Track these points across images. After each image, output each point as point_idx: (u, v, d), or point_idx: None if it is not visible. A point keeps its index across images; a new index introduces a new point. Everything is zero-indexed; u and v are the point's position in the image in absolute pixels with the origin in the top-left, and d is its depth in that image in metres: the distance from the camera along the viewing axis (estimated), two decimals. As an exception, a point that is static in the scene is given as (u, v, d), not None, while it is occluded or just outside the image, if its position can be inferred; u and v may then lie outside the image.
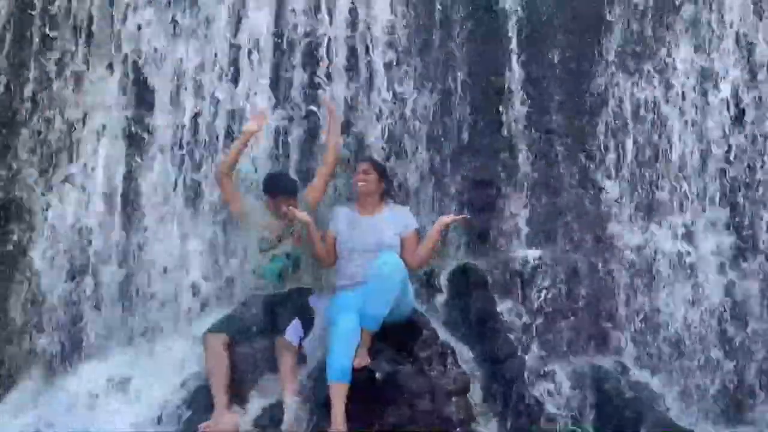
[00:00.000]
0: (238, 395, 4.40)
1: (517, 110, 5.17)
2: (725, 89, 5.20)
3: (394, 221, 4.68)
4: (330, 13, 5.16)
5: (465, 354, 4.65)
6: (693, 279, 5.04)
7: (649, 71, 5.23)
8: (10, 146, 5.08)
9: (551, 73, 5.23)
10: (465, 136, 5.16)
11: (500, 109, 5.16)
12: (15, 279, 4.97)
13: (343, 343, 4.18)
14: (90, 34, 5.15)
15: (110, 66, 5.13)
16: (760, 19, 5.27)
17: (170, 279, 4.94)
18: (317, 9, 5.15)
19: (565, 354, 4.86)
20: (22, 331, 4.91)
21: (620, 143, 5.19)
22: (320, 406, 4.24)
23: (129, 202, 5.04)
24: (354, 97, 5.10)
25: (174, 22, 5.15)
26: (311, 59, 5.13)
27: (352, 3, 5.16)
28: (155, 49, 5.12)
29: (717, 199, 5.12)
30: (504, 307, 4.83)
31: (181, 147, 5.06)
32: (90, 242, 4.96)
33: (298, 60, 5.13)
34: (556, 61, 5.24)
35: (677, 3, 5.27)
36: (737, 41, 5.25)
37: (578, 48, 5.25)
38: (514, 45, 5.22)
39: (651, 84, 5.23)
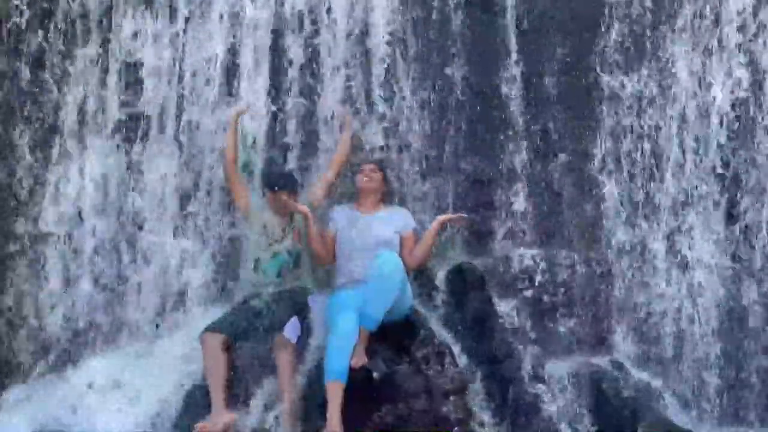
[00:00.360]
0: (236, 395, 4.39)
1: (515, 109, 5.17)
2: (724, 88, 5.19)
3: (393, 220, 4.72)
4: (329, 11, 5.16)
5: (462, 353, 4.64)
6: (691, 278, 5.04)
7: (647, 70, 5.23)
8: (7, 137, 5.09)
9: (550, 72, 5.22)
10: (463, 134, 5.16)
11: (498, 107, 5.16)
12: (12, 276, 4.99)
13: (341, 342, 4.18)
14: (86, 25, 5.16)
15: (105, 58, 5.13)
16: (759, 18, 5.26)
17: (168, 277, 4.95)
18: (317, 6, 5.16)
19: (563, 353, 4.87)
20: (19, 329, 4.92)
21: (618, 142, 5.18)
22: (317, 405, 4.23)
23: (126, 198, 5.04)
24: (352, 94, 5.10)
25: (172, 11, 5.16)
26: (310, 55, 5.13)
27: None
28: (153, 41, 5.13)
29: (715, 199, 5.11)
30: (502, 306, 4.83)
31: (178, 140, 5.06)
32: (86, 240, 4.97)
33: (297, 56, 5.13)
34: (554, 59, 5.24)
35: (676, 1, 5.26)
36: (736, 40, 5.23)
37: (576, 47, 5.25)
38: (512, 43, 5.22)
39: (649, 83, 5.22)
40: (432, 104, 5.17)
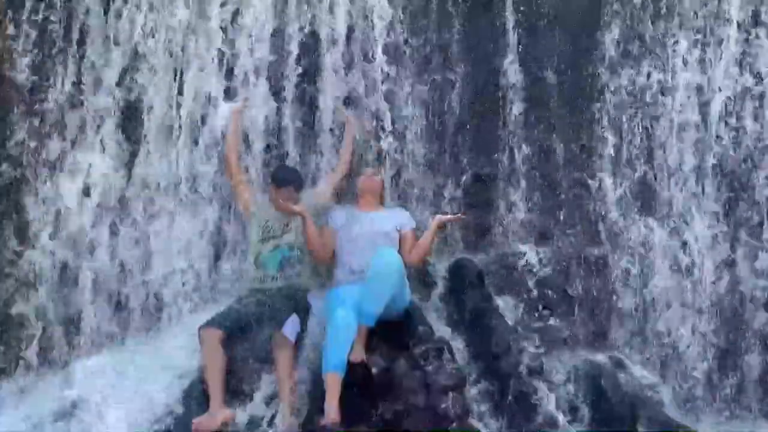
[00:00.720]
0: (234, 390, 4.39)
1: (515, 105, 5.16)
2: (725, 83, 5.19)
3: (392, 218, 4.76)
4: (329, 5, 5.15)
5: (461, 349, 4.65)
6: (691, 274, 5.04)
7: (648, 65, 5.22)
8: (7, 132, 5.08)
9: (550, 68, 5.22)
10: (463, 131, 5.16)
11: (498, 104, 5.15)
12: (10, 271, 4.98)
13: (339, 336, 4.20)
14: (85, 22, 5.15)
15: (107, 53, 5.13)
16: (760, 13, 5.25)
17: (167, 272, 4.94)
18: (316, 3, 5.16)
19: (562, 349, 4.87)
20: (16, 323, 4.92)
21: (619, 138, 5.18)
22: (316, 401, 4.23)
23: (126, 193, 5.04)
24: (351, 90, 5.10)
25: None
26: (309, 50, 5.12)
27: (351, -6, 5.17)
28: (153, 36, 5.12)
29: (715, 195, 5.11)
30: (501, 302, 4.84)
31: (178, 136, 5.05)
32: (85, 234, 4.96)
33: (296, 51, 5.12)
34: (554, 55, 5.23)
35: (677, -5, 5.28)
36: (737, 35, 5.23)
37: (576, 43, 5.24)
38: (512, 39, 5.22)
39: (650, 78, 5.21)
40: (431, 101, 5.17)
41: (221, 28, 5.13)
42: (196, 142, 5.05)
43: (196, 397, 4.37)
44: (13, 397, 4.73)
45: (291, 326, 4.39)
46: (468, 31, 5.21)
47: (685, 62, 5.20)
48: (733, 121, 5.14)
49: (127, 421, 4.38)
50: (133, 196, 5.03)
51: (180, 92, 5.08)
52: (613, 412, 4.54)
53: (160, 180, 5.02)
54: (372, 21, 5.14)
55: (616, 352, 4.94)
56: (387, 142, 5.08)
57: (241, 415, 4.31)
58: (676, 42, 5.22)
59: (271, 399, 4.38)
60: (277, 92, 5.09)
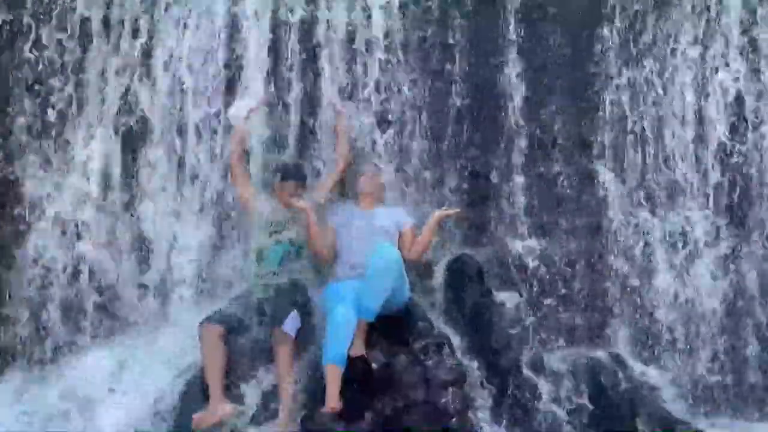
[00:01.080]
0: (234, 386, 4.39)
1: (515, 101, 5.16)
2: (726, 78, 5.19)
3: (391, 216, 4.77)
4: (328, 1, 5.16)
5: (461, 345, 4.64)
6: (691, 270, 5.04)
7: (649, 61, 5.22)
8: (7, 129, 5.08)
9: (550, 64, 5.21)
10: (463, 126, 5.16)
11: (498, 99, 5.16)
12: (10, 267, 4.98)
13: (339, 332, 4.20)
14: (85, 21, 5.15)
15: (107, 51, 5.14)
16: (762, 7, 5.26)
17: (167, 268, 4.94)
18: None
19: (562, 345, 4.88)
20: (16, 320, 4.92)
21: (618, 134, 5.18)
22: (316, 397, 4.23)
23: (126, 190, 5.04)
24: (350, 86, 5.10)
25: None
26: (309, 45, 5.13)
27: (350, -9, 5.18)
28: (152, 36, 5.12)
29: (716, 190, 5.11)
30: (500, 298, 4.84)
31: (179, 134, 5.06)
32: (86, 230, 4.96)
33: (296, 46, 5.12)
34: (554, 51, 5.23)
35: (679, -9, 5.29)
36: (738, 31, 5.23)
37: (577, 38, 5.23)
38: (512, 35, 5.21)
39: (651, 73, 5.22)
40: (431, 97, 5.16)
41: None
42: (199, 134, 5.05)
43: (196, 392, 4.37)
44: (12, 394, 4.72)
45: (291, 322, 4.37)
46: (468, 26, 5.20)
47: (685, 58, 5.21)
48: (734, 115, 5.15)
49: (127, 417, 4.40)
50: (133, 188, 5.03)
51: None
52: (612, 408, 4.55)
53: (162, 174, 5.02)
54: (372, 15, 5.14)
55: (615, 348, 4.95)
56: (386, 138, 5.08)
57: (241, 410, 4.30)
58: (677, 38, 5.22)
59: (270, 395, 4.36)
60: (275, 86, 5.09)
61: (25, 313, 4.92)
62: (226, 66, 5.10)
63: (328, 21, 5.13)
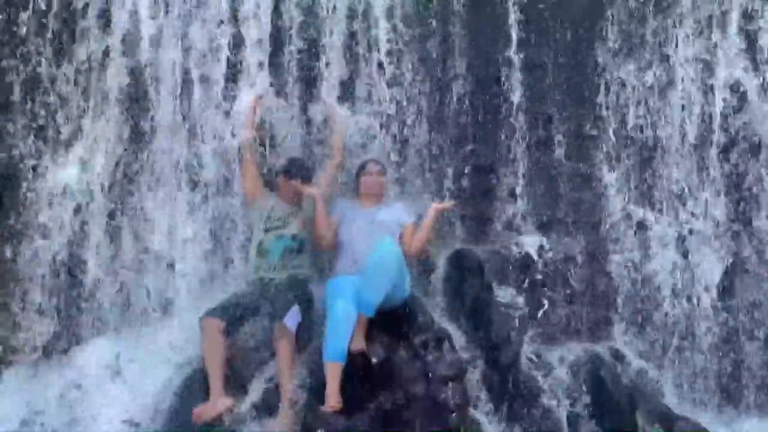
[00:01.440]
0: (234, 380, 4.40)
1: (515, 96, 5.16)
2: (726, 74, 5.19)
3: (393, 212, 4.77)
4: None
5: (461, 340, 4.65)
6: (690, 266, 5.05)
7: (649, 57, 5.22)
8: (7, 125, 5.08)
9: (550, 59, 5.21)
10: (463, 121, 5.16)
11: (499, 94, 5.16)
12: (9, 263, 4.99)
13: (339, 325, 4.21)
14: (84, 15, 5.14)
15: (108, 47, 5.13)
16: (762, 4, 5.25)
17: (167, 263, 4.95)
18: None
19: (562, 340, 4.89)
20: (17, 313, 4.93)
21: (619, 129, 5.18)
22: (316, 392, 4.23)
23: (126, 183, 5.04)
24: (351, 81, 5.09)
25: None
26: (309, 38, 5.12)
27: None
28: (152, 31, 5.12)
29: (716, 186, 5.12)
30: (501, 293, 4.83)
31: (180, 126, 5.05)
32: (86, 224, 4.97)
33: (296, 36, 5.12)
34: (555, 46, 5.22)
35: (678, -12, 5.27)
36: (739, 26, 5.22)
37: (578, 33, 5.23)
38: (513, 30, 5.21)
39: (651, 69, 5.22)
40: (432, 91, 5.16)
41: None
42: (201, 127, 5.05)
43: (197, 386, 4.38)
44: (15, 385, 4.73)
45: (292, 318, 4.38)
46: (469, 21, 5.20)
47: (686, 53, 5.20)
48: (735, 111, 5.14)
49: (128, 410, 4.40)
50: (136, 182, 5.04)
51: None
52: (612, 403, 4.56)
53: (164, 167, 5.03)
54: (373, 10, 5.13)
55: (615, 343, 4.96)
56: (387, 132, 5.08)
57: (242, 404, 4.31)
58: (678, 33, 5.22)
59: (271, 389, 4.37)
60: (275, 78, 5.09)
61: (25, 307, 4.92)
62: (229, 57, 5.10)
63: (328, 11, 5.11)
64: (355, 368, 4.18)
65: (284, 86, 5.07)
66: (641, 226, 5.10)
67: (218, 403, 4.24)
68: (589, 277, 5.03)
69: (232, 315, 4.47)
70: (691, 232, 5.09)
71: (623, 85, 5.20)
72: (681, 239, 5.08)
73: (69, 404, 4.46)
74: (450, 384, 4.27)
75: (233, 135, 4.94)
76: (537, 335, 4.79)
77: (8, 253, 4.96)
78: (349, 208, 4.78)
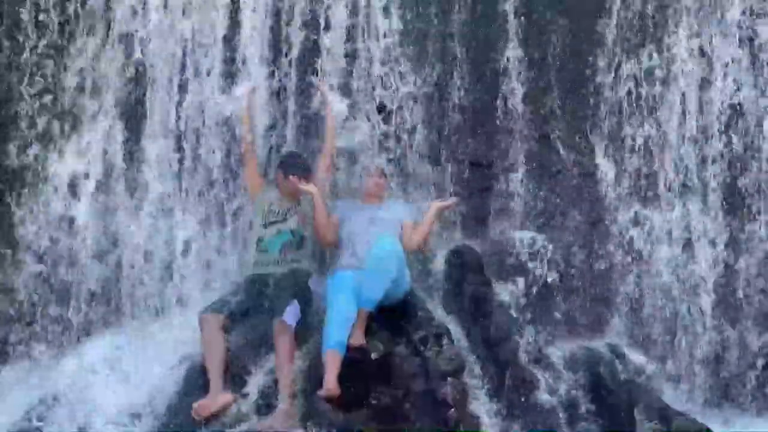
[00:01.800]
0: (234, 375, 4.39)
1: (515, 92, 5.16)
2: (726, 71, 5.19)
3: (394, 210, 4.79)
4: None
5: (460, 335, 4.65)
6: (689, 263, 5.06)
7: (649, 53, 5.22)
8: (7, 121, 5.08)
9: (550, 55, 5.22)
10: (463, 117, 5.16)
11: (498, 90, 5.16)
12: (11, 258, 4.99)
13: (339, 318, 4.23)
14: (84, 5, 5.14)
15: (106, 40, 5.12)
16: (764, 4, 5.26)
17: (167, 259, 4.95)
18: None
19: (561, 336, 4.90)
20: (15, 308, 4.93)
21: (618, 126, 5.18)
22: (316, 387, 4.23)
23: (126, 181, 5.04)
24: (350, 76, 5.09)
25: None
26: (309, 33, 5.12)
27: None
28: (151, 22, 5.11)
29: (714, 183, 5.12)
30: (500, 289, 4.85)
31: (179, 123, 5.06)
32: (86, 220, 4.97)
33: (296, 32, 5.12)
34: (555, 42, 5.23)
35: (678, -16, 5.27)
36: (739, 24, 5.23)
37: (577, 30, 5.24)
38: (512, 26, 5.21)
39: (651, 64, 5.21)
40: (432, 88, 5.16)
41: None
42: (202, 122, 5.05)
43: (196, 381, 4.38)
44: (11, 383, 4.73)
45: (291, 313, 4.38)
46: (469, 16, 5.20)
47: (686, 49, 5.20)
48: (735, 107, 5.15)
49: (127, 405, 4.41)
50: (135, 177, 5.03)
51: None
52: (611, 399, 4.56)
53: (162, 161, 5.02)
54: (372, 5, 5.13)
55: (614, 339, 4.97)
56: (386, 128, 5.08)
57: (241, 400, 4.31)
58: (678, 29, 5.22)
59: (270, 384, 4.36)
60: (275, 74, 5.08)
61: (25, 302, 4.92)
62: (226, 52, 5.10)
63: (328, 7, 5.11)
64: (355, 363, 4.18)
65: (283, 82, 5.08)
66: (641, 221, 5.10)
67: (218, 398, 4.25)
68: (588, 273, 5.04)
69: (232, 310, 4.48)
70: (690, 228, 5.09)
71: (623, 80, 5.19)
72: (680, 236, 5.08)
73: (68, 401, 4.46)
74: (449, 379, 4.27)
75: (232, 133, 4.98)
76: (536, 331, 4.78)
77: (3, 247, 4.98)
78: (349, 206, 4.81)
